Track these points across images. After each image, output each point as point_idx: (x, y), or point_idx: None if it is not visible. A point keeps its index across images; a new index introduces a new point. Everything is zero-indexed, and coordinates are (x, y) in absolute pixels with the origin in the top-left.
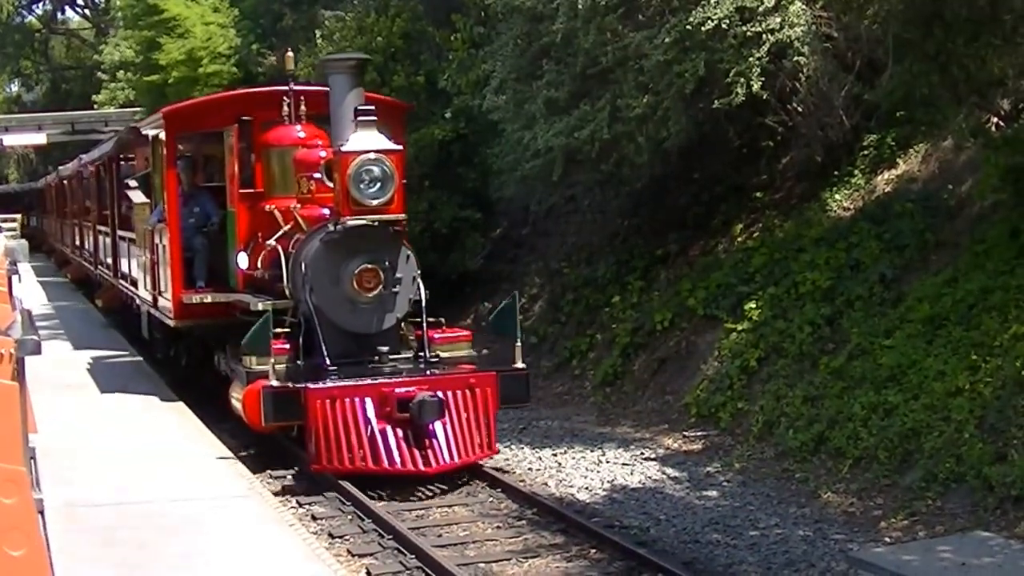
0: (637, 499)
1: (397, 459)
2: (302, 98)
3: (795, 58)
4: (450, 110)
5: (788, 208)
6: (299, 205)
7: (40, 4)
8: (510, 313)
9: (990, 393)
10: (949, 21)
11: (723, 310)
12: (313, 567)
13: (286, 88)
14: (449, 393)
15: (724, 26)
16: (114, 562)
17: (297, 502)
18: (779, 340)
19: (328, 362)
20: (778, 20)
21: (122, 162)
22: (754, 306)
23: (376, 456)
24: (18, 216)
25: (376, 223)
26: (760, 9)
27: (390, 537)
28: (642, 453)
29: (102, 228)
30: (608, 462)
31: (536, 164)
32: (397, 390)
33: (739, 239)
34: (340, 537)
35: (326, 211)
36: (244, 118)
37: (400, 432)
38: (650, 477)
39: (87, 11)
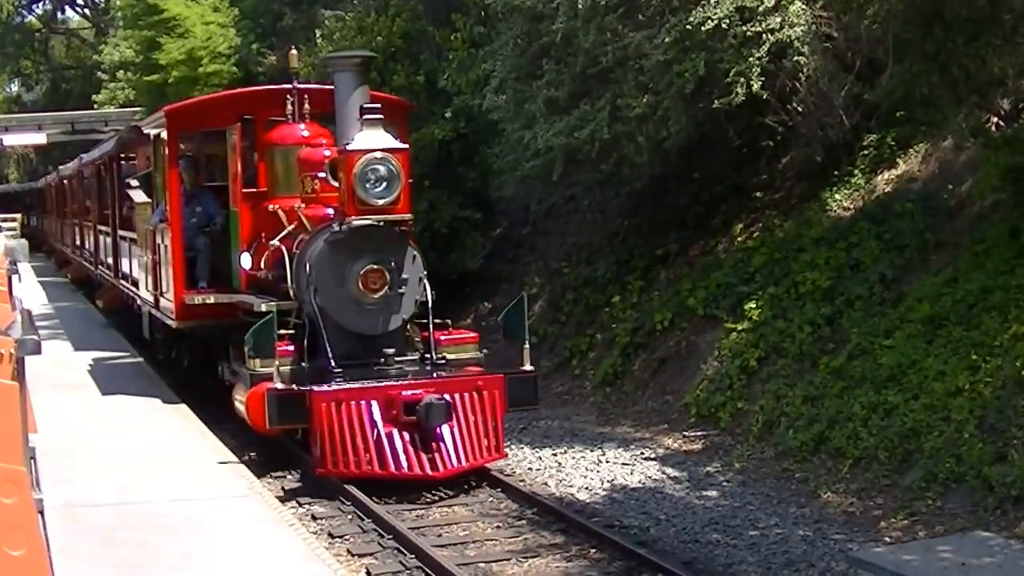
0: (637, 499)
1: (404, 463)
2: (306, 96)
3: (795, 58)
4: (450, 110)
5: (788, 208)
6: (303, 205)
7: (40, 4)
8: (518, 314)
9: (990, 393)
10: (949, 21)
11: (723, 310)
12: (313, 567)
13: (290, 86)
14: (456, 396)
15: (724, 26)
16: (114, 562)
17: (297, 502)
18: (779, 340)
19: (333, 364)
20: (778, 20)
21: (123, 161)
22: (754, 306)
23: (383, 460)
24: (18, 216)
25: (382, 223)
26: (760, 9)
27: (390, 537)
28: (642, 453)
29: (103, 228)
30: (608, 462)
31: (536, 164)
32: (404, 393)
33: (739, 239)
34: (340, 537)
35: (330, 211)
36: (247, 117)
37: (407, 436)
38: (650, 477)
39: (87, 11)
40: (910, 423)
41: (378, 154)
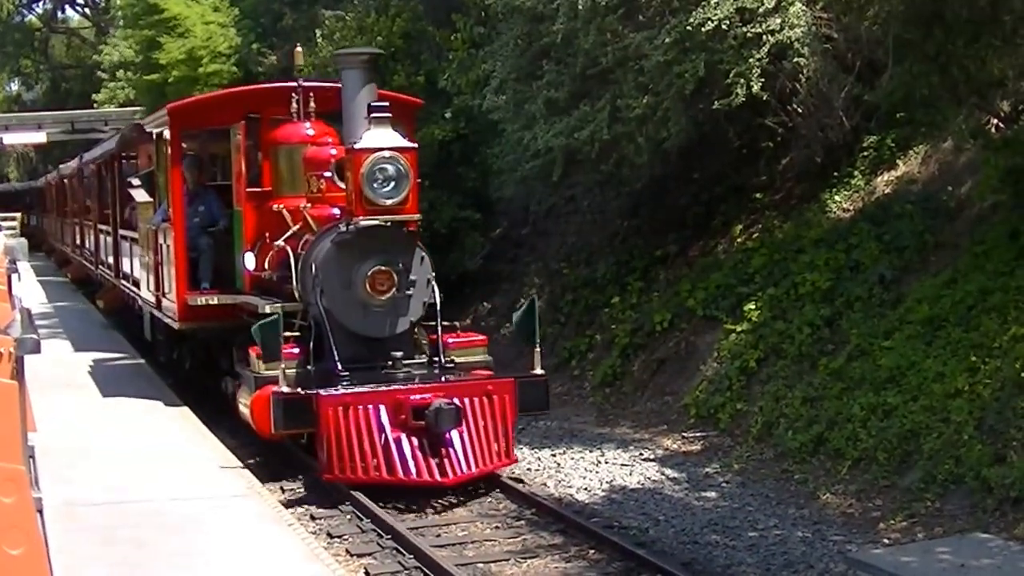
0: (636, 500)
1: (412, 469)
2: (311, 94)
3: (795, 59)
4: (450, 110)
5: (788, 209)
6: (309, 204)
7: (40, 3)
8: (529, 317)
9: (989, 394)
10: (949, 22)
11: (722, 311)
12: (312, 567)
13: (295, 84)
14: (466, 400)
15: (724, 27)
16: (113, 561)
17: (293, 498)
18: (778, 341)
19: (340, 367)
20: (778, 21)
21: (124, 160)
22: (753, 307)
23: (391, 466)
24: (18, 215)
25: (389, 223)
26: (760, 10)
27: (389, 537)
28: (641, 454)
29: (103, 227)
30: (607, 463)
31: (536, 164)
32: (412, 397)
33: (739, 240)
34: (339, 537)
35: (336, 211)
36: (251, 115)
37: (415, 441)
38: (649, 478)
39: (87, 10)
40: (909, 424)
41: (386, 153)
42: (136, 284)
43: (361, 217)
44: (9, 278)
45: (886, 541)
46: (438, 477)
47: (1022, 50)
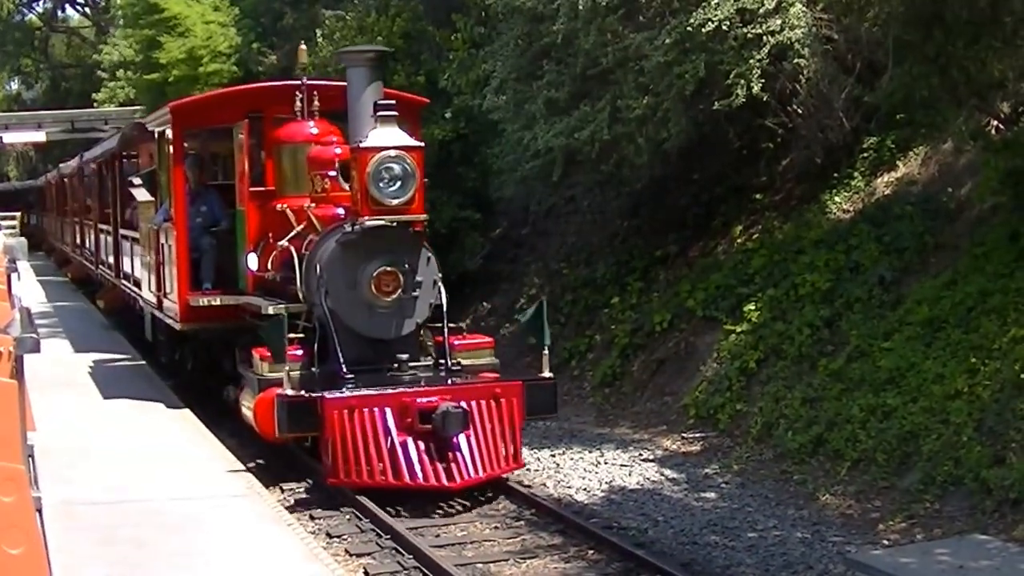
0: (635, 500)
1: (419, 473)
2: (315, 93)
3: (795, 60)
4: (450, 110)
5: (788, 210)
6: (313, 204)
7: (40, 2)
8: (539, 319)
9: (989, 396)
10: (949, 23)
11: (722, 311)
12: (311, 566)
13: (299, 83)
14: (473, 403)
15: (724, 28)
16: (113, 560)
17: (294, 499)
18: (778, 342)
19: (344, 369)
20: (778, 22)
21: (125, 159)
22: (753, 308)
23: (397, 470)
24: (17, 214)
25: (395, 223)
26: (760, 11)
27: (388, 537)
28: (640, 454)
29: (104, 227)
30: (606, 463)
31: (536, 164)
32: (419, 400)
33: (738, 240)
34: (338, 537)
35: (341, 211)
36: (254, 114)
37: (422, 445)
38: (648, 478)
39: (87, 9)
40: (908, 425)
41: (392, 152)
42: (137, 284)
43: (367, 217)
44: (9, 277)
45: (885, 542)
46: (445, 482)
47: (1022, 51)
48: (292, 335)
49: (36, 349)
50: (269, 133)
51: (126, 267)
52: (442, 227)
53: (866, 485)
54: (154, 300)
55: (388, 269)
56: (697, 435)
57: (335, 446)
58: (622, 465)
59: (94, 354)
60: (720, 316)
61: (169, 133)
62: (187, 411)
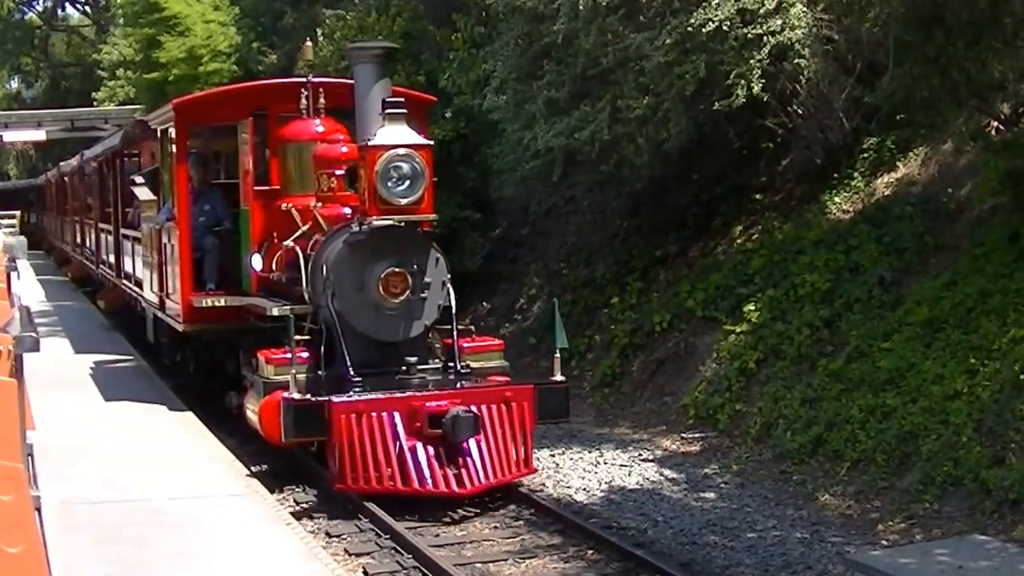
0: (635, 500)
1: (428, 479)
2: (321, 90)
3: (796, 60)
4: (450, 110)
5: (788, 210)
6: (319, 204)
7: (41, 1)
8: (552, 321)
9: (988, 396)
10: (950, 24)
11: (722, 312)
12: (310, 566)
13: (304, 80)
14: (484, 407)
15: (725, 28)
16: (112, 560)
17: (295, 500)
18: (778, 342)
19: (352, 373)
20: (779, 22)
21: (126, 158)
22: (753, 308)
23: (406, 476)
24: (17, 213)
25: (403, 223)
26: (761, 11)
27: (387, 536)
28: (640, 454)
29: (104, 226)
30: (606, 463)
31: (536, 164)
32: (428, 404)
33: (738, 241)
34: (337, 536)
35: (347, 210)
36: (259, 111)
37: (431, 450)
38: (648, 478)
39: (87, 8)
40: (908, 426)
41: (401, 151)
42: (139, 284)
43: (374, 217)
44: (8, 276)
45: (884, 542)
46: (455, 488)
47: (1022, 52)
48: (298, 337)
49: (36, 348)
50: (274, 131)
51: (127, 267)
52: (442, 227)
53: (865, 485)
54: (156, 301)
55: (396, 270)
56: (696, 435)
57: (342, 451)
58: (621, 465)
59: (94, 354)
60: (720, 316)
61: (172, 131)
62: (187, 411)
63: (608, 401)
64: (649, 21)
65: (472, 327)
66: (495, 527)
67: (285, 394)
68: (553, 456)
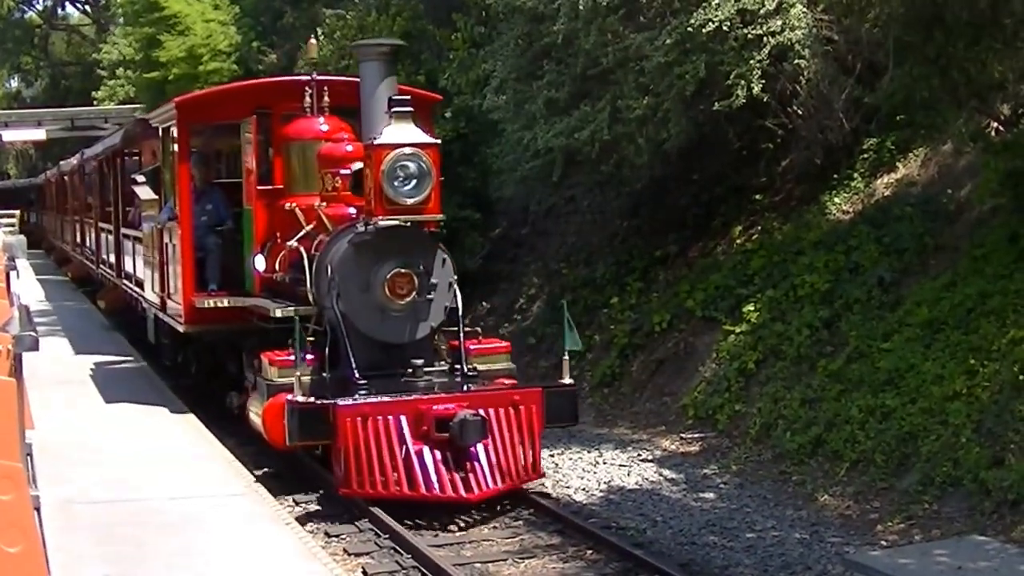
0: (634, 500)
1: (436, 484)
2: (325, 88)
3: (796, 61)
4: (450, 110)
5: (787, 211)
6: (324, 203)
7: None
8: (564, 323)
9: (987, 397)
10: (950, 24)
11: (721, 312)
12: (310, 565)
13: (308, 78)
14: (491, 411)
15: (725, 28)
16: (111, 559)
17: (294, 500)
18: (777, 343)
19: (357, 375)
20: (779, 23)
21: (127, 157)
22: (752, 308)
23: (412, 480)
24: (17, 212)
25: (410, 223)
26: (761, 12)
27: (386, 536)
28: (639, 454)
29: (104, 225)
30: (605, 463)
31: (536, 164)
32: (435, 407)
33: (738, 241)
34: (336, 536)
35: (353, 210)
36: (262, 110)
37: (438, 454)
38: (647, 478)
39: (87, 7)
40: (907, 427)
41: (407, 149)
42: (139, 284)
43: (380, 217)
44: (8, 275)
45: (884, 543)
46: (463, 493)
47: (1022, 53)
48: None
49: (35, 347)
50: (277, 130)
51: (128, 267)
52: (441, 227)
53: (865, 486)
54: (157, 301)
55: (402, 271)
56: (696, 435)
57: (348, 455)
58: (621, 465)
59: (94, 354)
60: (719, 317)
61: (174, 129)
62: (187, 411)
63: (607, 401)
64: (649, 21)
65: (479, 329)
66: (494, 527)
67: (289, 397)
68: (552, 456)
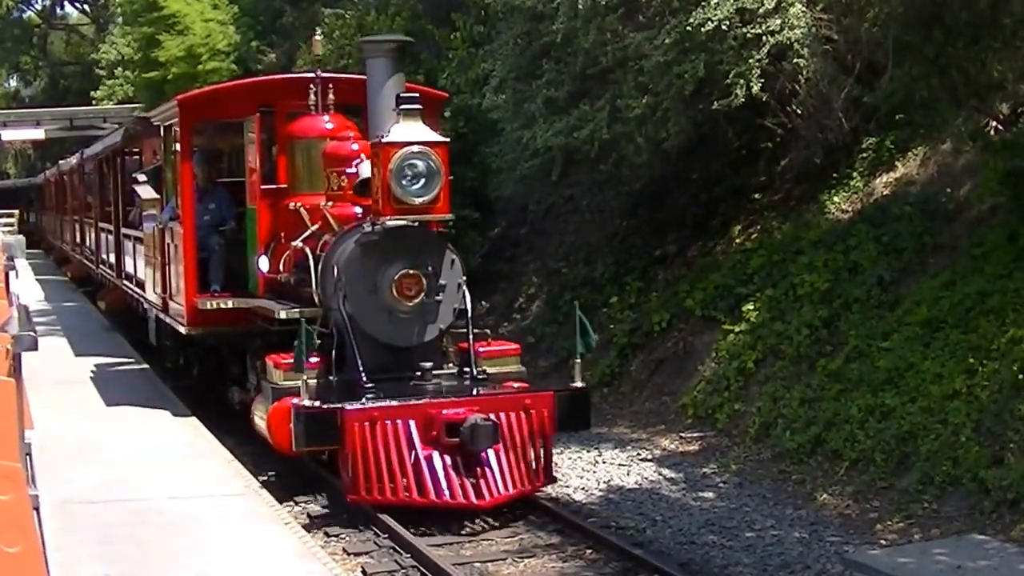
0: (633, 500)
1: (446, 490)
2: (330, 86)
3: (795, 60)
4: (449, 109)
5: (787, 210)
6: (329, 203)
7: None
8: (578, 325)
9: (987, 396)
10: (949, 24)
11: (721, 311)
12: (309, 565)
13: (312, 75)
14: (503, 415)
15: (724, 27)
16: (110, 559)
17: (294, 500)
18: (777, 342)
19: (364, 379)
20: (778, 22)
21: (127, 156)
22: (752, 308)
23: (422, 486)
24: (16, 212)
25: (418, 223)
26: (760, 11)
27: (386, 536)
28: (639, 454)
29: (104, 225)
30: (605, 463)
31: (535, 164)
32: (445, 412)
33: (737, 240)
34: (336, 535)
35: (359, 210)
36: (266, 108)
37: (448, 459)
38: (646, 478)
39: (86, 7)
40: (907, 426)
41: (416, 148)
42: (140, 285)
43: (388, 216)
44: (7, 275)
45: (883, 542)
46: (473, 499)
47: (1021, 52)
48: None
49: (34, 347)
50: (281, 128)
51: (128, 267)
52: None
53: (864, 485)
54: (159, 302)
55: (410, 272)
56: (695, 435)
57: (356, 461)
58: (620, 465)
59: (94, 355)
60: (719, 316)
61: (176, 127)
62: (187, 412)
63: (607, 401)
64: (648, 20)
65: (488, 331)
66: (494, 526)
67: (295, 401)
68: (552, 456)
